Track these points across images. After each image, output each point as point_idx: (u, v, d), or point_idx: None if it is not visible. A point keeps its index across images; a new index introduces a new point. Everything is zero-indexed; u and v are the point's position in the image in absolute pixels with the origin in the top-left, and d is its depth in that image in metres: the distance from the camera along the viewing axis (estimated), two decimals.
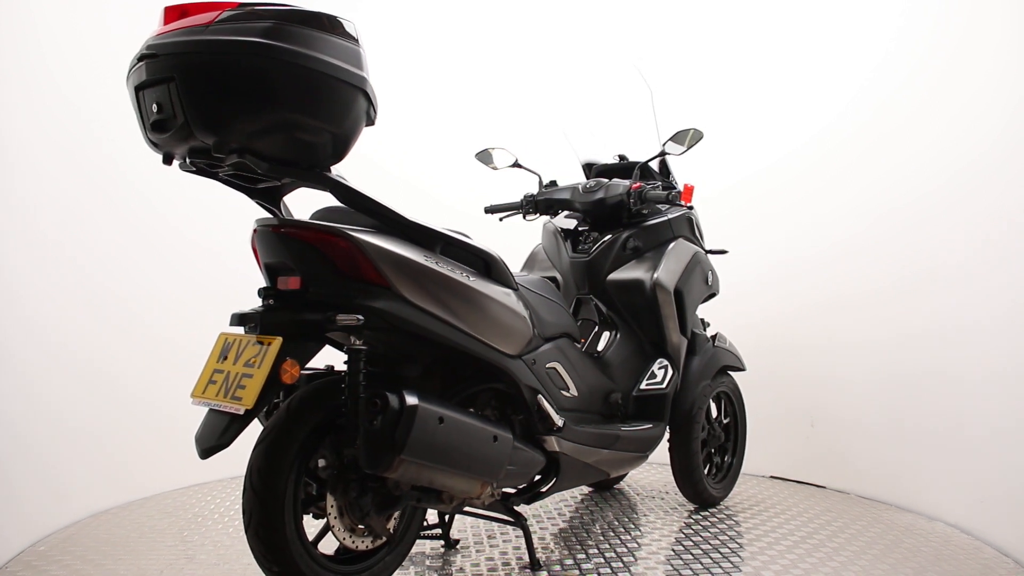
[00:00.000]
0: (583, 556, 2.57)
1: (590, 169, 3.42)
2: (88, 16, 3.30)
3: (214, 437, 1.74)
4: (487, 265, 2.19)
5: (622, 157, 3.36)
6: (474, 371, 2.23)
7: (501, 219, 3.33)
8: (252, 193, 2.04)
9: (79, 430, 3.09)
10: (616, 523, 2.97)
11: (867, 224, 3.48)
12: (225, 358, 1.85)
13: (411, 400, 1.84)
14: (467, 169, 3.63)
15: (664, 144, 2.91)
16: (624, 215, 3.05)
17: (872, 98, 3.49)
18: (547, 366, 2.41)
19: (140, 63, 1.66)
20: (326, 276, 1.87)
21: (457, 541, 2.66)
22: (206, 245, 3.73)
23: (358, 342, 1.88)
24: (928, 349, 3.15)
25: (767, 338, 3.86)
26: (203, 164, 1.81)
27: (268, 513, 1.81)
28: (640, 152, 3.26)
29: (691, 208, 3.01)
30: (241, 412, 1.72)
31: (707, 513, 3.13)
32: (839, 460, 3.58)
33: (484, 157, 3.21)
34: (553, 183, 3.25)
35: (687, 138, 2.85)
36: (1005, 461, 2.66)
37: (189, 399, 1.87)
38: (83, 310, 3.18)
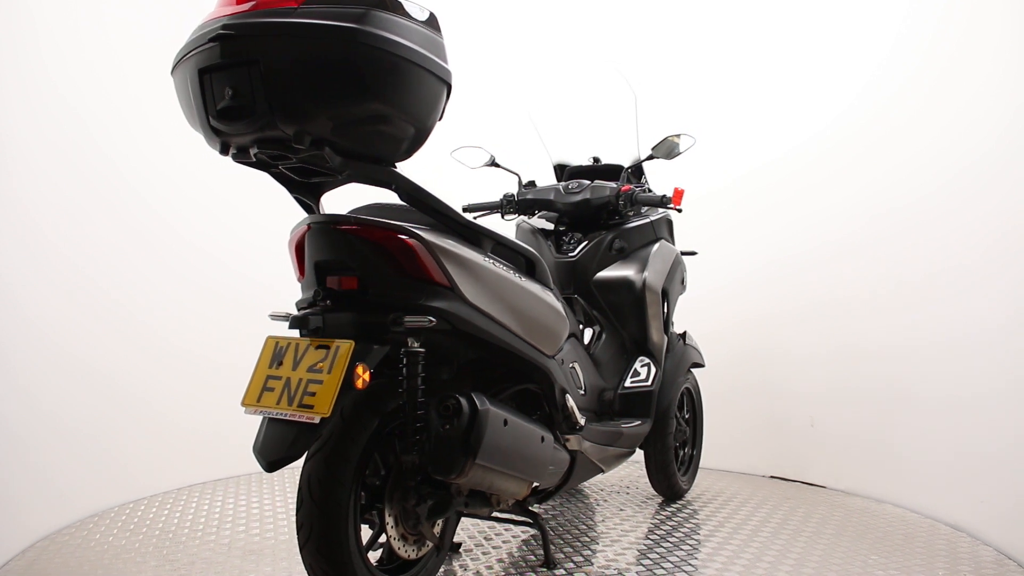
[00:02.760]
0: (589, 552, 2.48)
1: (562, 170, 3.31)
2: (87, 18, 3.04)
3: (282, 448, 1.54)
4: (531, 265, 2.06)
5: (596, 159, 3.27)
6: (506, 371, 2.09)
7: (475, 218, 3.18)
8: (295, 188, 1.84)
9: (76, 431, 2.86)
10: (601, 519, 2.89)
11: (865, 224, 3.34)
12: (280, 364, 1.64)
13: (482, 404, 1.70)
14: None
15: (653, 148, 2.84)
16: (604, 216, 2.96)
17: (873, 100, 3.36)
18: (569, 365, 2.30)
19: (211, 43, 1.44)
20: (386, 276, 1.69)
21: (459, 544, 2.51)
22: (204, 246, 3.49)
23: (415, 344, 1.71)
24: (927, 356, 3.01)
25: (763, 339, 3.77)
26: (266, 156, 1.59)
27: (331, 527, 1.63)
28: (614, 155, 3.17)
29: (680, 211, 2.96)
30: (316, 421, 1.52)
31: (679, 505, 3.09)
32: (838, 460, 3.43)
33: (461, 156, 3.06)
34: (532, 183, 3.14)
35: (678, 144, 2.79)
36: (1004, 466, 2.59)
37: (241, 408, 1.64)
38: (81, 311, 2.95)
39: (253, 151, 1.56)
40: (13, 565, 2.33)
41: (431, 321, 1.65)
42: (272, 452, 1.54)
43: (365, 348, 1.61)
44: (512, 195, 3.07)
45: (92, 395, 2.96)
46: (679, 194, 2.79)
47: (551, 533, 2.67)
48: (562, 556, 2.42)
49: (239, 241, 3.60)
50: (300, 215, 3.84)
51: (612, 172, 3.13)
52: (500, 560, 2.38)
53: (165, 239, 3.33)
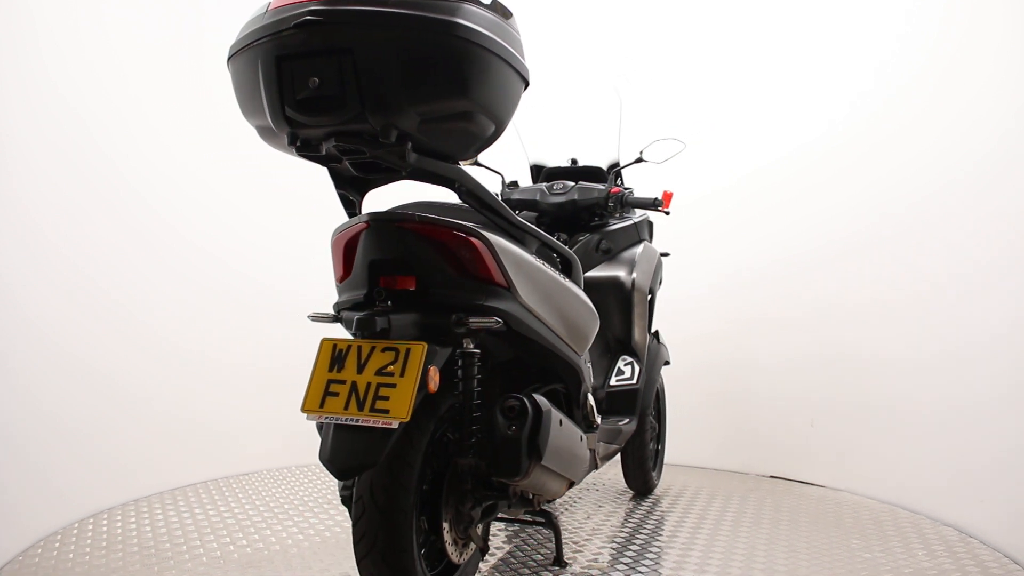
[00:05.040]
0: (594, 549, 2.43)
1: (539, 171, 3.19)
2: (87, 18, 2.87)
3: (356, 455, 1.41)
4: (567, 265, 1.99)
5: (574, 161, 3.19)
6: (536, 371, 2.00)
7: None
8: (342, 183, 1.72)
9: (76, 431, 2.70)
10: (586, 516, 2.83)
11: (869, 225, 3.19)
12: (341, 367, 1.51)
13: (543, 405, 1.62)
14: None
15: (642, 151, 2.79)
16: (586, 218, 2.89)
17: (873, 102, 3.22)
18: (588, 364, 2.24)
19: (295, 29, 1.30)
20: (446, 276, 1.59)
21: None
22: (203, 245, 3.33)
23: (471, 345, 1.62)
24: (927, 360, 2.87)
25: (764, 340, 3.63)
26: (336, 150, 1.48)
27: (397, 535, 1.50)
28: (592, 157, 3.08)
29: (668, 213, 2.91)
30: (394, 425, 1.41)
31: (653, 500, 3.06)
32: (839, 460, 3.28)
33: None
34: (515, 183, 3.04)
35: (668, 148, 2.74)
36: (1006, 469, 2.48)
37: (303, 414, 1.50)
38: (81, 311, 2.78)
39: (329, 144, 1.44)
40: (9, 570, 2.18)
41: (498, 322, 1.56)
42: (345, 459, 1.41)
43: (431, 350, 1.51)
44: (496, 195, 2.95)
45: (92, 395, 2.79)
46: (668, 197, 2.76)
47: (546, 534, 2.60)
48: (567, 554, 2.36)
49: (239, 240, 3.47)
50: (303, 214, 3.74)
51: (591, 174, 3.04)
52: (508, 560, 2.31)
53: (165, 239, 3.18)
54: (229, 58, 1.48)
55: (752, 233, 3.69)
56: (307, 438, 3.37)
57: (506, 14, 1.48)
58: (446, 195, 2.02)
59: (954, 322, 2.76)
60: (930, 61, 2.97)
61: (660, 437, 3.33)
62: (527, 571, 2.20)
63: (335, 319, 1.72)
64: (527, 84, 1.56)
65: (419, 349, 1.47)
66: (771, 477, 3.49)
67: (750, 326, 3.67)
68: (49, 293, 2.62)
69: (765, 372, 3.61)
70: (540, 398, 1.65)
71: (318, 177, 3.36)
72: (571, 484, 1.96)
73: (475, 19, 1.38)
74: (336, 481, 3.18)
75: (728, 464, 3.67)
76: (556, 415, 1.69)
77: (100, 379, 2.84)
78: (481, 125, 1.49)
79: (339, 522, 2.69)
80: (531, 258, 1.74)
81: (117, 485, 2.86)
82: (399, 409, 1.41)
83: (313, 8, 1.30)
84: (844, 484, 3.20)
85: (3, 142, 2.43)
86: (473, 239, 1.57)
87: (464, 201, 1.67)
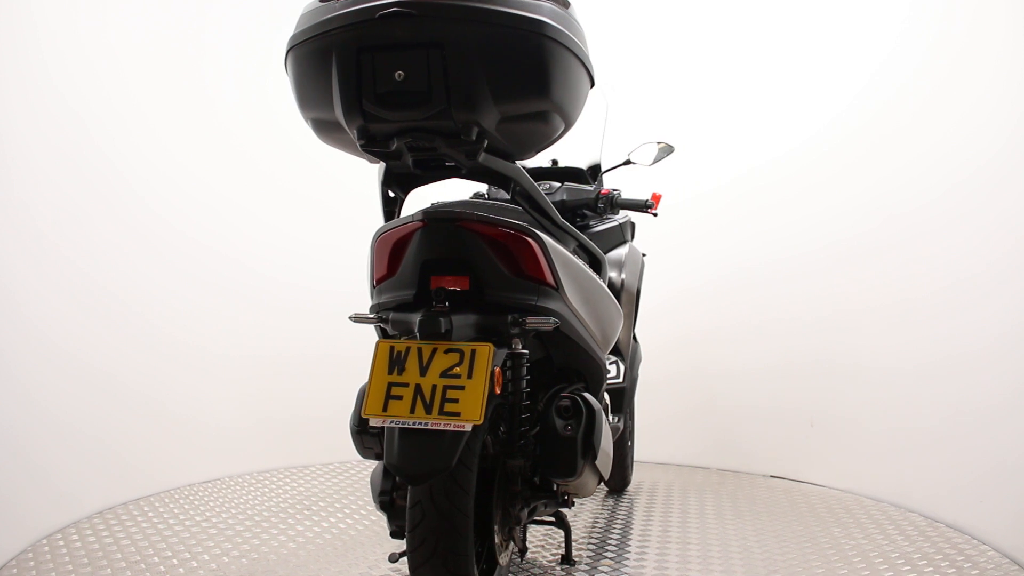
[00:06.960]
0: (594, 548, 2.42)
1: None
2: (87, 18, 2.75)
3: (431, 459, 1.35)
4: (596, 264, 1.98)
5: (554, 161, 3.16)
6: (557, 371, 1.98)
7: None
8: (388, 181, 1.67)
9: (76, 431, 2.61)
10: (574, 515, 2.79)
11: (870, 229, 3.06)
12: (402, 370, 1.46)
13: (595, 404, 1.61)
14: None
15: (631, 153, 2.79)
16: (570, 219, 2.79)
17: (871, 101, 3.09)
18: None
19: (380, 21, 1.24)
20: (499, 276, 1.54)
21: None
22: (204, 243, 3.22)
23: (520, 346, 1.59)
24: (928, 365, 2.79)
25: (764, 345, 3.50)
26: (406, 146, 1.42)
27: (459, 539, 1.43)
28: (573, 159, 3.02)
29: (656, 215, 2.91)
30: (467, 428, 1.36)
31: (631, 497, 3.06)
32: (839, 460, 3.19)
33: None
34: None
35: (657, 151, 2.73)
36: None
37: (371, 419, 1.44)
38: (81, 311, 2.67)
39: (404, 140, 1.39)
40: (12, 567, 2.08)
41: (555, 323, 1.53)
42: (417, 464, 1.35)
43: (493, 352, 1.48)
44: (483, 194, 2.88)
45: (92, 394, 2.70)
46: (657, 199, 2.75)
47: (549, 534, 2.58)
48: (561, 556, 2.32)
49: (239, 239, 3.37)
50: (302, 213, 3.65)
51: (573, 175, 2.95)
52: (514, 559, 2.26)
53: (165, 238, 3.09)
54: (289, 49, 1.41)
55: (751, 234, 3.56)
56: (305, 438, 3.39)
57: (565, 3, 1.45)
58: (457, 193, 1.97)
59: (954, 325, 2.69)
60: (931, 59, 2.90)
61: (631, 434, 3.34)
62: (537, 570, 2.18)
63: (379, 320, 1.65)
64: (593, 83, 1.54)
65: (486, 350, 1.43)
66: (771, 477, 3.39)
67: (748, 327, 3.60)
68: (49, 293, 2.52)
69: (762, 373, 3.51)
70: (590, 397, 1.64)
71: (317, 177, 3.33)
72: (601, 481, 1.95)
73: (556, 17, 1.35)
74: (350, 481, 3.11)
75: (723, 464, 3.60)
76: (603, 414, 1.68)
77: (100, 379, 2.73)
78: (553, 125, 1.47)
79: (329, 528, 2.57)
80: (575, 258, 1.74)
81: (116, 486, 2.76)
82: (471, 411, 1.37)
83: (401, 0, 1.24)
84: (843, 485, 3.12)
85: (3, 142, 2.33)
86: (528, 238, 1.55)
87: (515, 200, 1.64)
